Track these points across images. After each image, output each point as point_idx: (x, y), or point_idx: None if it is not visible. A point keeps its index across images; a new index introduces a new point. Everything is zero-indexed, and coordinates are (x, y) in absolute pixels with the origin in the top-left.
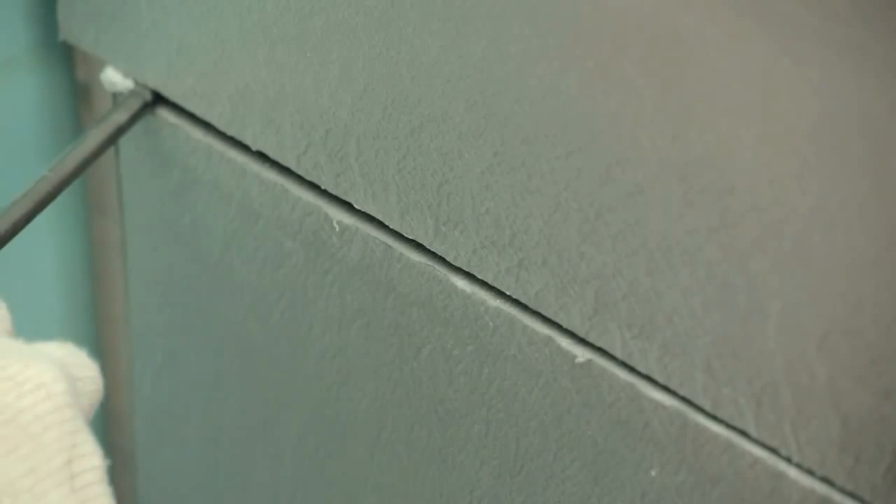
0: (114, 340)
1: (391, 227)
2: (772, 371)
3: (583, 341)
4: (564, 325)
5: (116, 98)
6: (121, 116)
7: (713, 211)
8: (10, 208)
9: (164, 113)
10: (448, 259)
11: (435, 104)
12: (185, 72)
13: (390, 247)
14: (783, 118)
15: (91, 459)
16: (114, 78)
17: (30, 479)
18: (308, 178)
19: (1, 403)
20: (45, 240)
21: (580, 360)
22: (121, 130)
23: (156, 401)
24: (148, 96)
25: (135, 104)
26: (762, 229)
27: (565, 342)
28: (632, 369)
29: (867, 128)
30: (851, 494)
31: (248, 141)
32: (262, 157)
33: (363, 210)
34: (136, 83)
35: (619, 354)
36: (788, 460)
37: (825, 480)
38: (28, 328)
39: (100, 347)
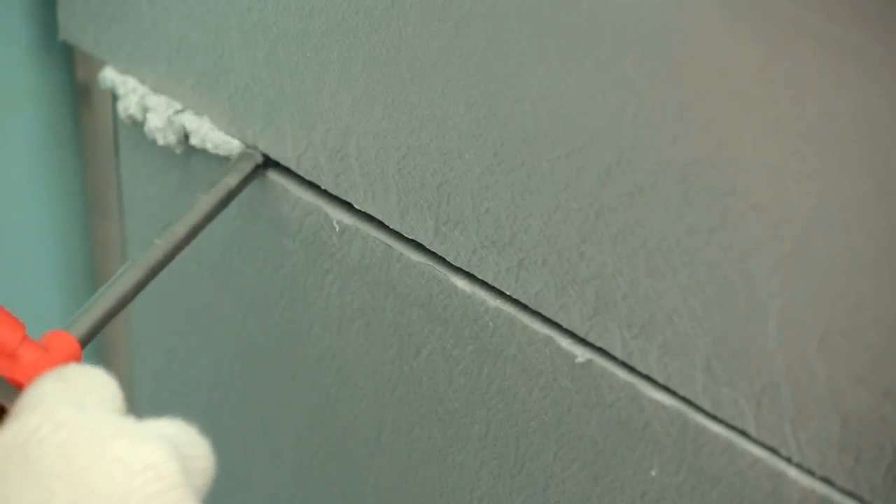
0: (114, 340)
1: (391, 227)
2: (772, 371)
3: (583, 341)
4: (564, 325)
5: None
6: (232, 180)
7: (713, 211)
8: (121, 276)
9: (274, 175)
10: (448, 259)
11: (435, 104)
12: (185, 72)
13: (390, 247)
14: (783, 118)
15: None
16: (113, 77)
17: None
18: (308, 177)
19: (110, 485)
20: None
21: (580, 360)
22: (232, 194)
23: (156, 401)
24: (259, 158)
25: (246, 167)
26: (762, 229)
27: (565, 342)
28: (632, 369)
29: (867, 128)
30: (851, 494)
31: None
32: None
33: (363, 210)
34: (247, 146)
35: (619, 354)
36: (788, 460)
37: (825, 480)
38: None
39: (100, 347)
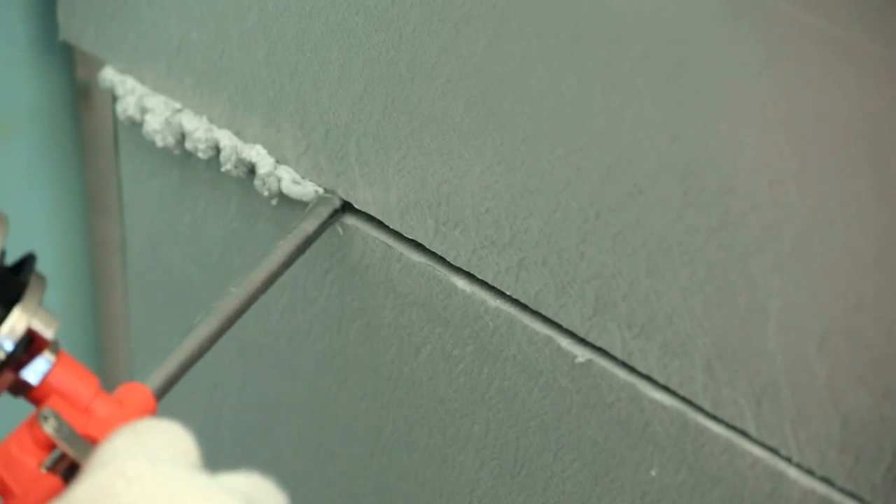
0: (114, 340)
1: (391, 227)
2: (772, 371)
3: (583, 341)
4: (564, 325)
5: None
6: (309, 226)
7: (713, 211)
8: (197, 327)
9: (351, 220)
10: (448, 259)
11: (435, 104)
12: (184, 72)
13: (390, 247)
14: (783, 118)
15: None
16: (112, 77)
17: None
18: (306, 177)
19: None
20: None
21: (580, 360)
22: (309, 240)
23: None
24: (337, 203)
25: (324, 212)
26: (762, 229)
27: (565, 342)
28: (632, 369)
29: (867, 128)
30: (851, 494)
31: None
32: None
33: (363, 210)
34: (326, 190)
35: (619, 354)
36: (788, 460)
37: (825, 480)
38: None
39: (100, 347)
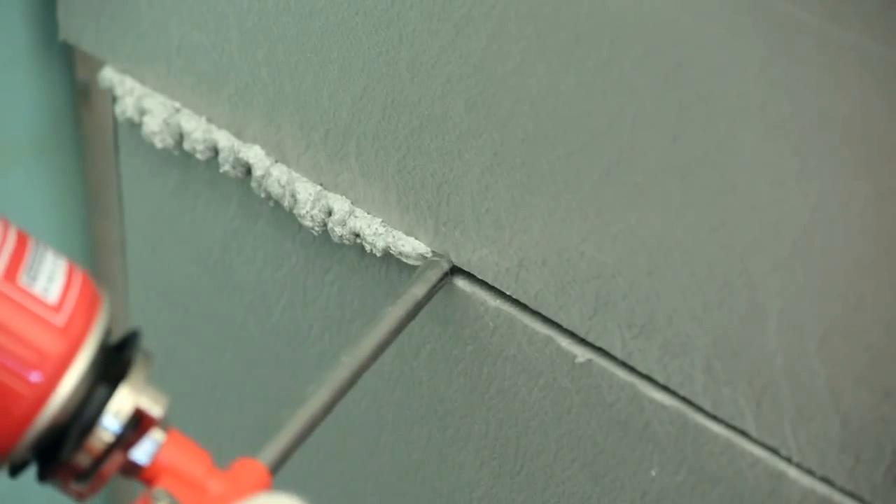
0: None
1: (391, 226)
2: (772, 371)
3: (583, 341)
4: (564, 325)
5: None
6: (419, 290)
7: (713, 211)
8: (309, 399)
9: (461, 283)
10: (449, 258)
11: (435, 104)
12: (184, 72)
13: (389, 246)
14: (783, 118)
15: None
16: (112, 77)
17: None
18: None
19: None
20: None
21: (580, 360)
22: (419, 305)
23: None
24: (446, 266)
25: (433, 276)
26: (762, 229)
27: (565, 342)
28: (632, 369)
29: (867, 128)
30: (851, 494)
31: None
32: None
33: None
34: (434, 253)
35: (619, 354)
36: (788, 460)
37: (825, 480)
38: None
39: None
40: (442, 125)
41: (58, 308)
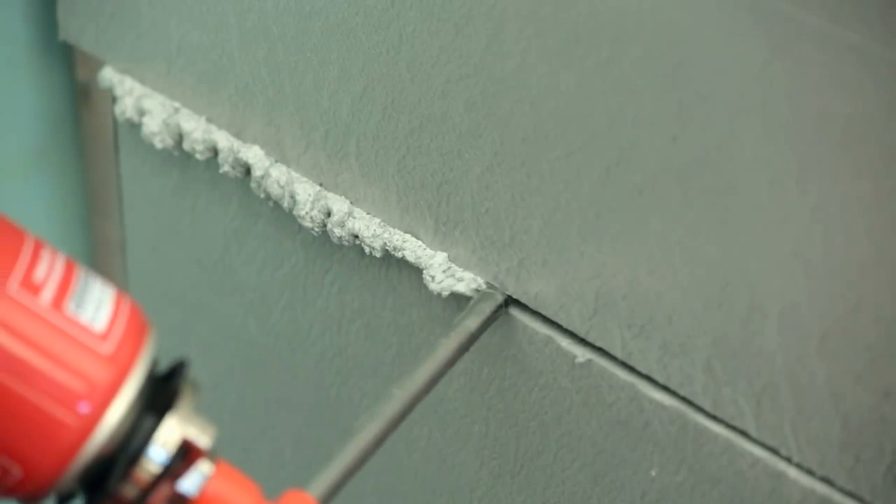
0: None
1: (391, 226)
2: (772, 371)
3: (583, 341)
4: (564, 325)
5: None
6: (472, 323)
7: (713, 211)
8: (360, 431)
9: (517, 314)
10: (448, 258)
11: (435, 104)
12: (185, 72)
13: (388, 247)
14: (783, 118)
15: None
16: (111, 77)
17: None
18: (306, 177)
19: None
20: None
21: (580, 360)
22: (473, 338)
23: None
24: (500, 299)
25: (487, 308)
26: (762, 229)
27: (565, 342)
28: (632, 369)
29: (867, 128)
30: (851, 494)
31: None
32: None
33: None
34: (488, 286)
35: (619, 354)
36: (788, 460)
37: (825, 480)
38: None
39: None
40: (442, 125)
41: (105, 336)
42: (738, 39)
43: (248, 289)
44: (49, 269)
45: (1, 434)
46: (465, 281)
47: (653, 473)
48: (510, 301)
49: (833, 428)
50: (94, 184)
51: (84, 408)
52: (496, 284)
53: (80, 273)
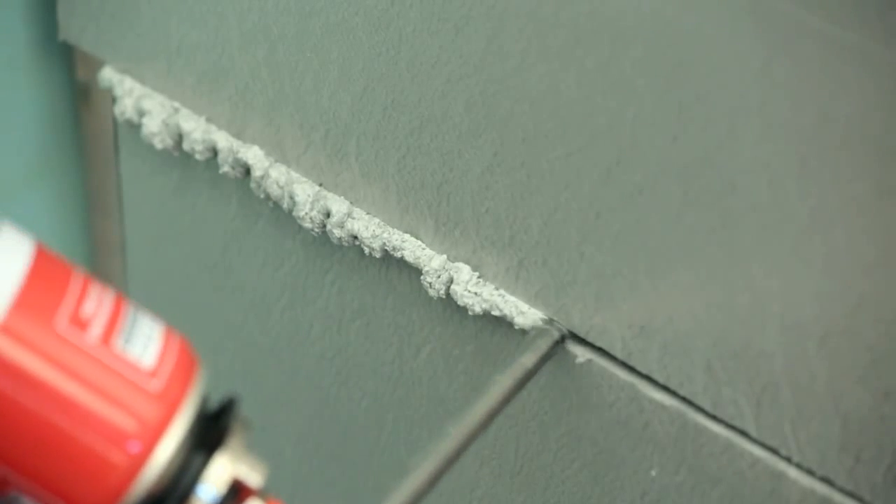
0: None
1: (391, 226)
2: (772, 371)
3: (583, 341)
4: (564, 325)
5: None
6: (529, 359)
7: (713, 211)
8: (416, 470)
9: (574, 348)
10: (448, 257)
11: (435, 104)
12: (185, 72)
13: (387, 247)
14: (783, 118)
15: None
16: (111, 77)
17: None
18: (306, 177)
19: None
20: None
21: (580, 360)
22: (529, 374)
23: None
24: (556, 335)
25: (544, 345)
26: (762, 229)
27: (565, 342)
28: (632, 369)
29: (867, 128)
30: (851, 494)
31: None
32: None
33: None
34: (545, 321)
35: (619, 354)
36: (788, 460)
37: (825, 480)
38: None
39: None
40: (442, 125)
41: (154, 373)
42: (738, 39)
43: (248, 289)
44: (98, 304)
45: (48, 473)
46: (526, 315)
47: (653, 473)
48: (568, 336)
49: (833, 428)
50: (94, 184)
51: (133, 447)
52: (496, 284)
53: (129, 308)
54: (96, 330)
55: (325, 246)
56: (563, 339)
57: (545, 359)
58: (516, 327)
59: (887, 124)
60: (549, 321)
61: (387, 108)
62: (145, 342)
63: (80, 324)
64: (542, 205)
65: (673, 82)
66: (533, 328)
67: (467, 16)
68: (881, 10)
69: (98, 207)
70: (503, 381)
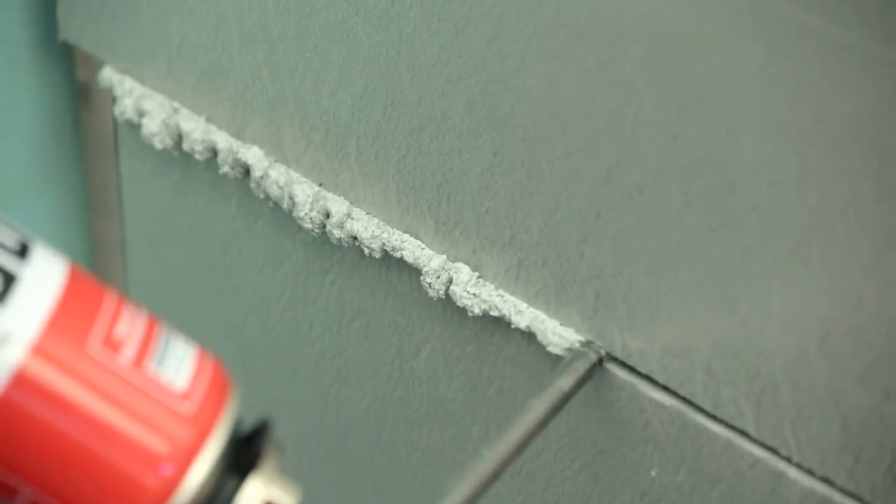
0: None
1: (391, 226)
2: (772, 371)
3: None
4: (564, 324)
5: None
6: (565, 383)
7: (713, 211)
8: (450, 493)
9: (613, 369)
10: (448, 258)
11: (435, 104)
12: (184, 72)
13: (387, 247)
14: (783, 118)
15: None
16: (111, 77)
17: None
18: (306, 177)
19: None
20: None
21: None
22: (566, 398)
23: None
24: (594, 357)
25: (580, 367)
26: (762, 229)
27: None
28: (632, 369)
29: (866, 128)
30: (851, 494)
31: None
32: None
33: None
34: (581, 344)
35: (619, 354)
36: (788, 460)
37: (825, 480)
38: None
39: None
40: (442, 125)
41: (187, 395)
42: (738, 39)
43: (248, 289)
44: (131, 326)
45: (80, 496)
46: (561, 337)
47: (653, 473)
48: (606, 358)
49: (833, 428)
50: (94, 184)
51: (166, 469)
52: (495, 284)
53: (162, 330)
54: (129, 352)
55: (325, 246)
56: (601, 361)
57: (582, 382)
58: (512, 326)
59: (887, 124)
60: (583, 344)
61: (387, 108)
62: (178, 364)
63: (113, 346)
64: (542, 205)
65: (673, 82)
66: (569, 354)
67: (467, 16)
68: (881, 10)
69: (98, 207)
70: (540, 405)
